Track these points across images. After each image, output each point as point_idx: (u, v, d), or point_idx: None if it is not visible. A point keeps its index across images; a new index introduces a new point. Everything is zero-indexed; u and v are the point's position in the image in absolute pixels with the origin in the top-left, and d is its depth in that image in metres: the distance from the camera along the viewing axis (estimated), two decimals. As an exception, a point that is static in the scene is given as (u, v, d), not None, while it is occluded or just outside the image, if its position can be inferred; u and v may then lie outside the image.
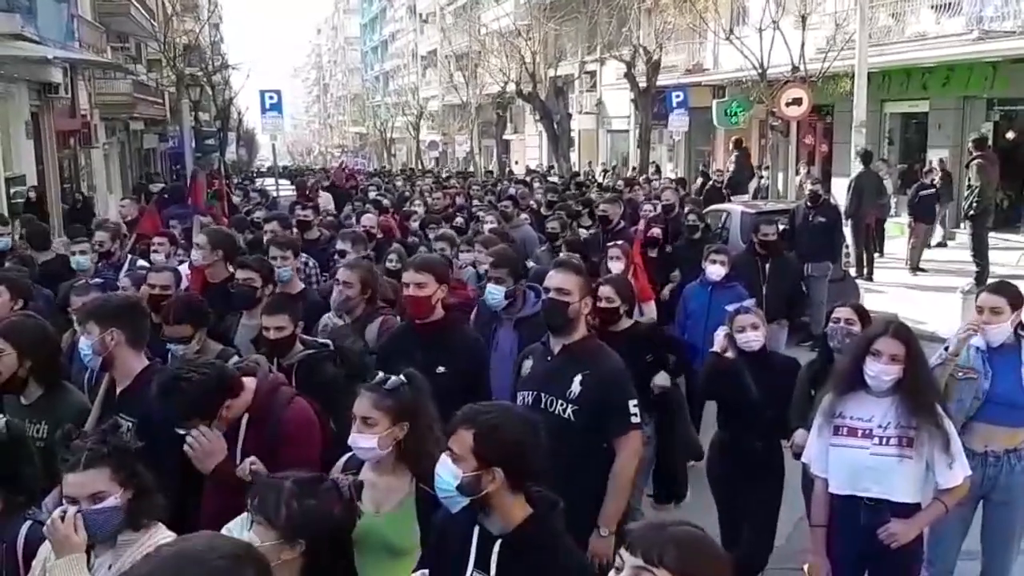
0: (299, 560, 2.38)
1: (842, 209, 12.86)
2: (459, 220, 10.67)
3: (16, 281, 4.98)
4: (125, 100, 26.78)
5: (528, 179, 21.67)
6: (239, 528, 2.38)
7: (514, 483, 2.51)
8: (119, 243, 7.39)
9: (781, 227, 9.82)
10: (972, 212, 12.77)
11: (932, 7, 18.14)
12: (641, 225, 9.54)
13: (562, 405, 3.74)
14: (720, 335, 4.63)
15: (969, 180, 13.32)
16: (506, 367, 4.52)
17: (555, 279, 3.84)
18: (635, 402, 3.77)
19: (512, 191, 14.81)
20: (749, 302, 4.80)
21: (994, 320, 4.16)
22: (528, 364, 3.99)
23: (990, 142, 18.14)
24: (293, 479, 2.47)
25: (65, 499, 2.66)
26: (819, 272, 10.34)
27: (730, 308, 4.72)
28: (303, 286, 5.87)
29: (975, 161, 12.68)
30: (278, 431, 3.33)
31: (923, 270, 14.57)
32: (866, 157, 14.68)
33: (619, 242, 7.04)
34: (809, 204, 10.83)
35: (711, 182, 18.12)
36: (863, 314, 4.54)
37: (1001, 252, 15.06)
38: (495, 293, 4.98)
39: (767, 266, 7.97)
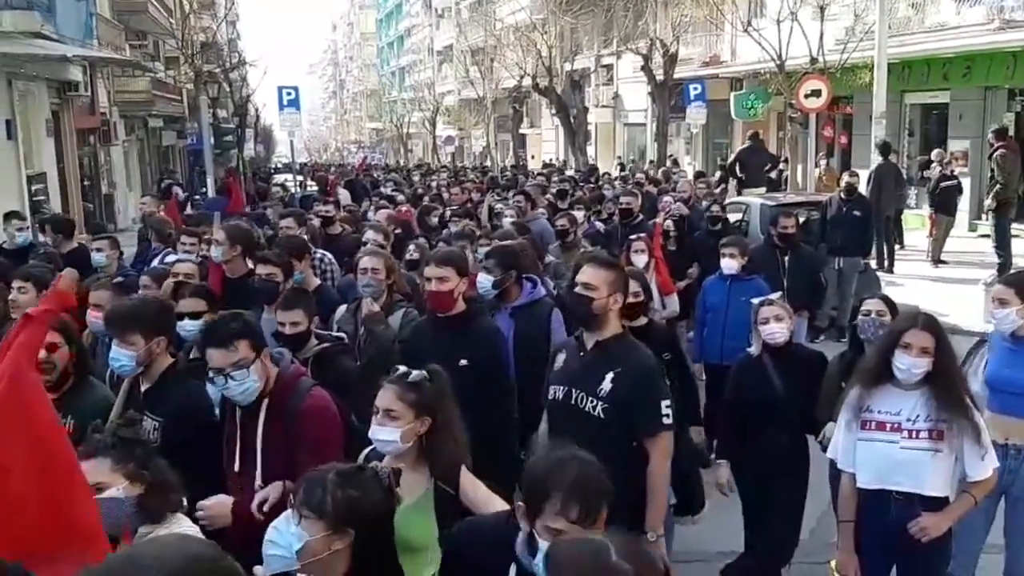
0: (347, 550, 2.39)
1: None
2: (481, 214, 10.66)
3: (41, 278, 5.02)
4: (144, 97, 26.95)
5: (545, 173, 21.63)
6: (285, 524, 2.40)
7: None
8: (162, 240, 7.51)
9: (802, 219, 9.78)
10: (995, 203, 12.63)
11: (953, -3, 17.95)
12: (660, 218, 9.50)
13: (592, 402, 3.70)
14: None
15: (992, 171, 13.16)
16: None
17: (584, 274, 3.79)
18: (668, 402, 3.71)
19: (527, 187, 14.79)
20: (775, 295, 4.74)
21: (1000, 310, 4.16)
22: (561, 358, 3.95)
23: (1011, 132, 18.03)
24: (335, 471, 2.47)
25: None
26: (850, 266, 10.28)
27: (755, 301, 4.67)
28: (319, 282, 5.88)
29: (997, 152, 12.53)
30: (296, 419, 3.34)
31: (944, 262, 14.44)
32: (884, 148, 14.55)
33: (642, 235, 7.01)
34: (844, 196, 10.71)
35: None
36: (892, 306, 4.51)
37: (1019, 244, 14.94)
38: (483, 282, 5.01)
39: (786, 258, 7.94)
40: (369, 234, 6.79)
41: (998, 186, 12.52)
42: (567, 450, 2.61)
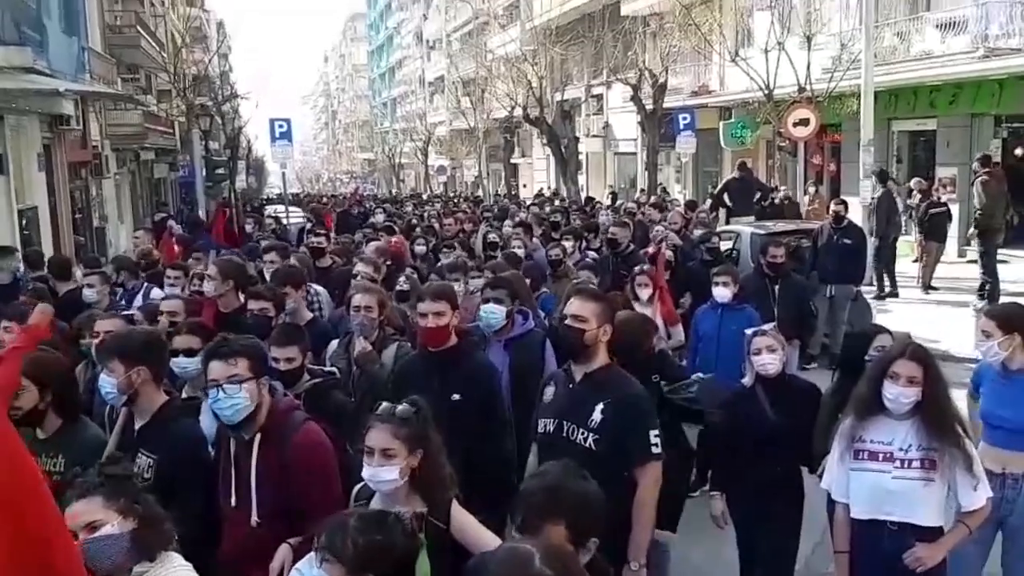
0: None
1: (866, 230, 12.87)
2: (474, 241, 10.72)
3: (27, 317, 4.99)
4: (136, 131, 26.96)
5: (537, 202, 21.73)
6: (308, 567, 2.40)
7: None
8: (132, 275, 7.46)
9: (793, 246, 9.83)
10: (977, 230, 12.70)
11: (937, 26, 18.18)
12: (651, 248, 9.54)
13: (583, 434, 3.71)
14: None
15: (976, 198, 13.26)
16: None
17: (573, 306, 3.82)
18: (656, 432, 3.73)
19: (521, 215, 14.87)
20: (768, 326, 4.74)
21: (985, 342, 4.20)
22: (550, 391, 3.97)
23: (998, 159, 18.18)
24: (357, 515, 2.49)
25: None
26: (843, 294, 10.32)
27: (748, 332, 4.68)
28: (311, 315, 5.87)
29: (979, 179, 12.62)
30: (289, 452, 3.34)
31: (935, 288, 14.50)
32: (882, 176, 14.68)
33: (645, 267, 7.01)
34: (833, 225, 10.78)
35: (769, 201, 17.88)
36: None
37: (1012, 268, 15.02)
38: (496, 313, 4.99)
39: (776, 287, 7.98)
40: (360, 267, 6.78)
41: (978, 213, 12.59)
42: (546, 468, 2.77)
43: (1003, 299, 12.34)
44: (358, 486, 3.13)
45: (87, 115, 21.84)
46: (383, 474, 2.96)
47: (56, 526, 2.29)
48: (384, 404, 3.10)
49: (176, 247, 10.44)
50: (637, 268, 7.04)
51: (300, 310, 5.66)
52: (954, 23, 17.56)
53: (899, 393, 3.57)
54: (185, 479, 3.38)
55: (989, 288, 11.78)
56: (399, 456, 2.97)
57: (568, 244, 9.24)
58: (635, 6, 29.37)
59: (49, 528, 2.26)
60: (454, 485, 3.08)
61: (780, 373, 4.56)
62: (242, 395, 3.29)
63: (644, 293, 6.70)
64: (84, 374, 4.74)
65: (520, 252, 8.72)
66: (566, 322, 3.81)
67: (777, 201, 16.75)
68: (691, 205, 17.37)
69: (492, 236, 10.63)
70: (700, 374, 5.24)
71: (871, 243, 14.37)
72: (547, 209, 17.52)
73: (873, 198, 14.64)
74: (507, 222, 13.30)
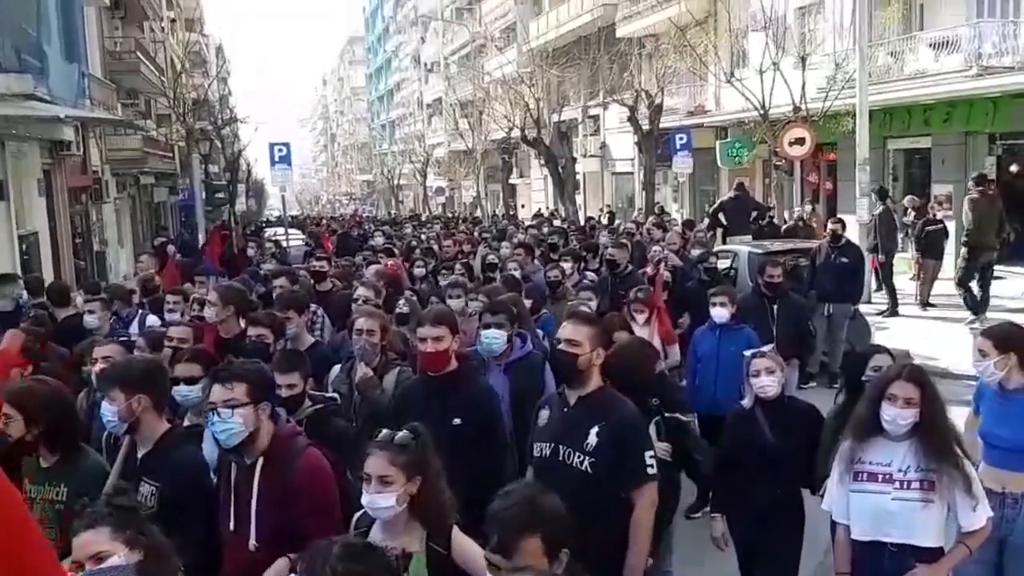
0: None
1: (865, 248, 12.89)
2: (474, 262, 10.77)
3: (28, 345, 5.02)
4: (135, 155, 27.07)
5: (535, 223, 21.77)
6: None
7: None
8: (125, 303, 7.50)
9: (790, 265, 9.87)
10: (966, 248, 12.64)
11: (930, 45, 18.32)
12: (650, 268, 9.57)
13: (579, 457, 3.73)
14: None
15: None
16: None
17: (566, 330, 3.86)
18: (651, 453, 3.77)
19: (520, 237, 14.92)
20: (767, 347, 4.75)
21: (981, 361, 4.21)
22: (545, 415, 3.99)
23: (993, 176, 18.26)
24: (341, 543, 2.47)
25: (73, 564, 2.68)
26: (841, 313, 10.33)
27: (747, 353, 4.70)
28: (313, 340, 5.89)
29: (968, 196, 12.62)
30: (292, 476, 3.36)
31: (933, 305, 14.54)
32: (882, 194, 14.72)
33: (640, 294, 7.02)
34: (831, 243, 10.81)
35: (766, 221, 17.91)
36: (894, 359, 4.52)
37: (1009, 284, 15.06)
38: (497, 339, 5.02)
39: (775, 307, 7.99)
40: (360, 291, 6.81)
41: (966, 232, 12.55)
42: (516, 487, 2.82)
43: (1001, 315, 12.39)
44: (358, 513, 3.15)
45: (87, 140, 21.94)
46: (380, 501, 2.97)
47: (41, 557, 2.31)
48: (383, 431, 3.12)
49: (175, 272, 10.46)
50: (632, 295, 7.06)
51: (302, 335, 5.68)
52: (947, 42, 17.70)
53: (896, 415, 3.59)
54: (188, 506, 3.39)
55: (972, 302, 11.65)
56: (396, 483, 2.97)
57: (567, 266, 9.27)
58: (631, 28, 29.61)
59: (33, 557, 2.27)
60: (455, 510, 3.09)
61: (779, 395, 4.58)
62: (235, 420, 3.31)
63: (640, 317, 6.73)
64: (86, 401, 4.76)
65: (517, 274, 8.76)
66: (559, 346, 3.85)
67: (789, 222, 16.82)
68: (688, 224, 17.41)
69: (491, 258, 10.67)
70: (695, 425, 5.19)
71: (877, 259, 14.46)
72: (545, 230, 17.57)
73: (873, 215, 14.71)
74: (505, 243, 13.34)
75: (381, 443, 3.06)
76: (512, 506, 2.66)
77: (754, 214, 17.11)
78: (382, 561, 2.49)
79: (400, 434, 3.06)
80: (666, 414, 4.62)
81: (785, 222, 17.45)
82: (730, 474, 4.62)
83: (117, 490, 2.87)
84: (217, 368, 3.53)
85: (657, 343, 6.29)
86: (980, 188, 12.39)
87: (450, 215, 38.83)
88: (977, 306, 11.31)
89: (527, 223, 22.35)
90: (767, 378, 4.50)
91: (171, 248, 15.17)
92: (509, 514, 2.62)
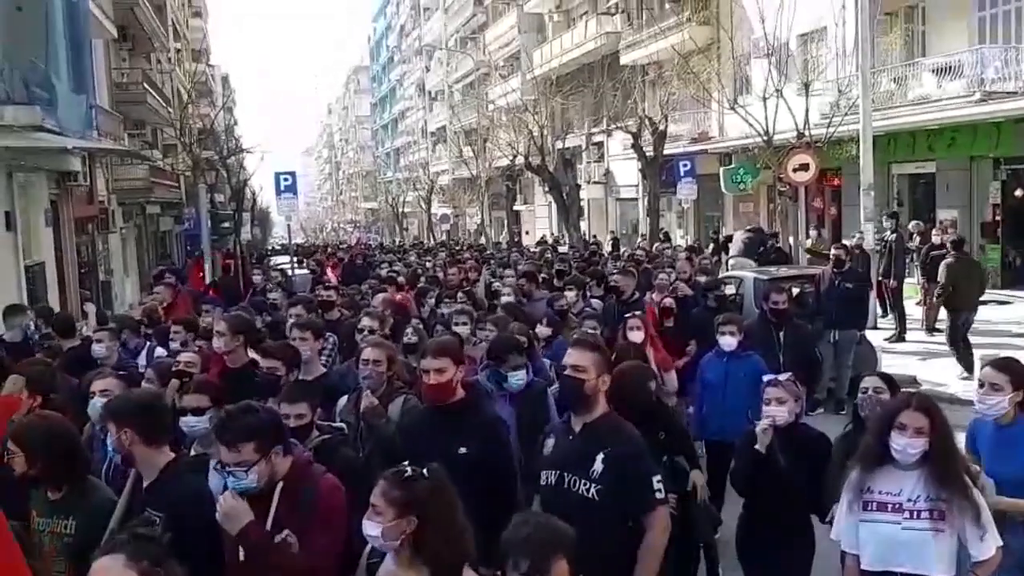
0: None
1: (873, 273, 12.74)
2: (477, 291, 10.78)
3: (35, 377, 5.02)
4: (142, 185, 27.27)
5: (537, 251, 21.85)
6: None
7: None
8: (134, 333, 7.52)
9: (795, 291, 9.85)
10: (945, 307, 12.18)
11: (933, 71, 18.41)
12: (656, 295, 9.57)
13: (585, 484, 3.72)
14: (760, 430, 4.55)
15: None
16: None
17: (572, 357, 3.86)
18: (659, 477, 3.76)
19: (523, 265, 14.94)
20: (783, 376, 4.74)
21: (992, 396, 4.18)
22: (550, 443, 3.98)
23: (998, 200, 18.27)
24: None
25: None
26: (847, 339, 10.28)
27: (766, 379, 4.68)
28: (323, 370, 5.89)
29: (944, 262, 12.06)
30: (313, 501, 3.40)
31: (939, 330, 14.44)
32: (894, 217, 14.66)
33: (636, 312, 7.06)
34: (835, 269, 10.78)
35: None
36: (891, 382, 4.52)
37: (1014, 310, 15.03)
38: (521, 379, 5.16)
39: (781, 334, 7.99)
40: (365, 321, 6.81)
41: (939, 290, 12.09)
42: (528, 514, 2.88)
43: (1007, 341, 12.33)
44: (370, 545, 3.13)
45: (94, 171, 22.09)
46: (368, 527, 2.96)
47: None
48: (402, 465, 3.09)
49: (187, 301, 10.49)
50: (628, 314, 7.10)
51: (314, 361, 5.67)
52: (950, 68, 17.79)
53: (907, 444, 3.57)
54: (190, 537, 3.37)
55: (964, 360, 11.44)
56: (384, 515, 2.94)
57: (571, 294, 9.28)
58: (634, 56, 29.83)
59: None
60: (468, 552, 2.99)
61: (791, 421, 4.56)
62: (250, 478, 3.34)
63: (636, 337, 6.72)
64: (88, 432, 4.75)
65: (511, 299, 8.81)
66: (566, 373, 3.85)
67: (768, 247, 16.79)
68: (692, 250, 17.44)
69: (496, 285, 10.68)
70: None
71: (887, 284, 14.40)
72: (547, 256, 17.64)
73: (888, 239, 14.68)
74: (509, 271, 13.34)
75: (387, 473, 3.05)
76: (539, 531, 2.71)
77: (762, 249, 17.19)
78: None
79: (410, 470, 3.01)
80: (674, 458, 4.65)
81: (789, 248, 17.43)
82: (741, 498, 4.61)
83: (144, 521, 2.87)
84: (219, 426, 3.50)
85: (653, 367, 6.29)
86: (955, 253, 12.16)
87: (453, 242, 38.94)
88: (969, 363, 11.05)
89: (531, 250, 22.41)
90: (776, 408, 4.48)
91: (170, 277, 15.18)
92: (538, 538, 2.68)
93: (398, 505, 2.93)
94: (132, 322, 7.80)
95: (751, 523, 4.71)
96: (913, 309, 15.43)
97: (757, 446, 4.45)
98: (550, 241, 31.18)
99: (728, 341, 6.69)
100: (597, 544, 3.48)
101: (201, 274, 17.29)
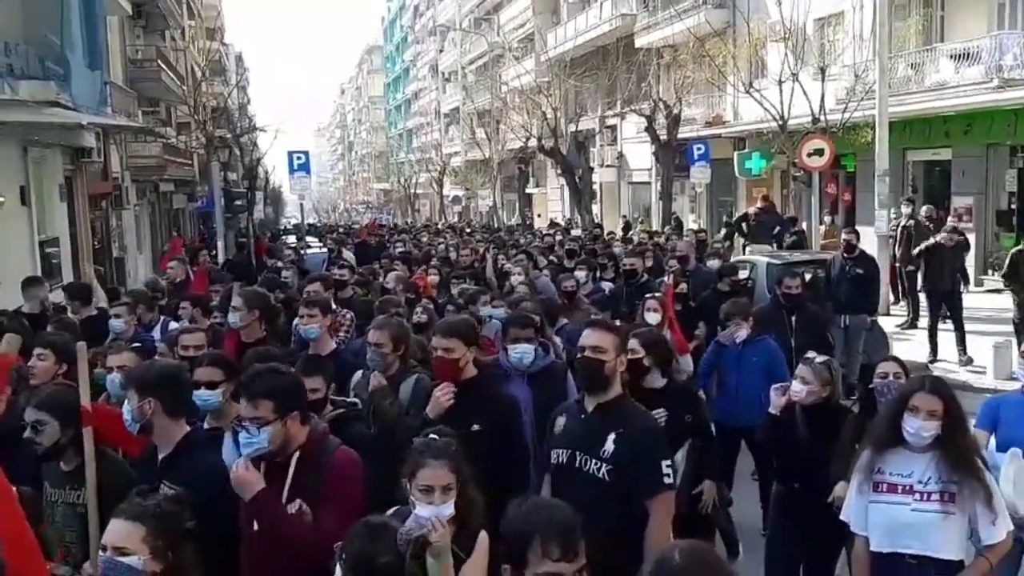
0: None
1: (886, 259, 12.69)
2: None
3: (60, 345, 5.05)
4: (155, 162, 27.31)
5: (551, 232, 21.81)
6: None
7: None
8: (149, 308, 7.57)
9: (808, 276, 9.83)
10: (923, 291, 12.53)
11: (951, 57, 18.24)
12: (667, 279, 9.57)
13: (596, 464, 3.72)
14: (775, 395, 4.60)
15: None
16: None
17: (591, 337, 3.84)
18: (668, 463, 3.75)
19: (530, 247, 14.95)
20: (820, 358, 4.73)
21: None
22: (561, 421, 3.99)
23: (1014, 188, 18.12)
24: (363, 521, 2.73)
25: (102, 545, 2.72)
26: (858, 324, 10.27)
27: (809, 355, 4.73)
28: (334, 345, 5.92)
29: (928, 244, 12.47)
30: (328, 471, 3.42)
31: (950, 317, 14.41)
32: (911, 203, 14.61)
33: (656, 294, 7.06)
34: (845, 255, 10.77)
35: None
36: (906, 368, 4.56)
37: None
38: (528, 352, 5.03)
39: (793, 318, 7.98)
40: (373, 335, 6.78)
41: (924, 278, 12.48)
42: (535, 499, 2.82)
43: (1008, 328, 12.26)
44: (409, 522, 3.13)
45: (108, 147, 22.14)
46: (445, 511, 2.96)
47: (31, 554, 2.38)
48: (422, 439, 3.15)
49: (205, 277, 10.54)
50: (648, 295, 7.10)
51: (324, 339, 5.70)
52: (968, 54, 17.61)
53: (920, 427, 3.57)
54: (206, 512, 3.40)
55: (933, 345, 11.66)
56: (455, 489, 3.02)
57: (581, 275, 9.27)
58: (649, 38, 29.63)
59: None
60: (482, 513, 3.10)
61: (821, 399, 4.61)
62: (262, 437, 3.35)
63: (653, 318, 6.73)
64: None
65: (522, 278, 8.84)
66: (585, 354, 3.83)
67: (787, 240, 16.70)
68: (699, 235, 17.35)
69: (508, 265, 10.68)
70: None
71: (904, 270, 14.36)
72: (558, 237, 17.63)
73: (907, 225, 14.61)
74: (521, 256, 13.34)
75: (436, 451, 3.07)
76: (557, 512, 2.63)
77: (777, 229, 17.08)
78: (389, 541, 2.62)
79: (443, 440, 3.11)
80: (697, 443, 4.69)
81: (804, 234, 17.33)
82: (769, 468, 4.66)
83: (176, 498, 2.91)
84: (246, 379, 3.55)
85: None
86: (931, 243, 12.43)
87: (465, 223, 38.91)
88: (935, 349, 11.37)
89: (543, 233, 22.40)
90: (798, 385, 4.57)
91: (203, 255, 15.21)
92: (562, 516, 2.60)
93: (458, 473, 3.04)
94: (146, 297, 7.84)
95: (782, 502, 4.79)
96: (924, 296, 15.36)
97: (771, 408, 4.50)
98: (563, 224, 31.13)
99: (739, 333, 6.67)
100: (607, 524, 3.49)
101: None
